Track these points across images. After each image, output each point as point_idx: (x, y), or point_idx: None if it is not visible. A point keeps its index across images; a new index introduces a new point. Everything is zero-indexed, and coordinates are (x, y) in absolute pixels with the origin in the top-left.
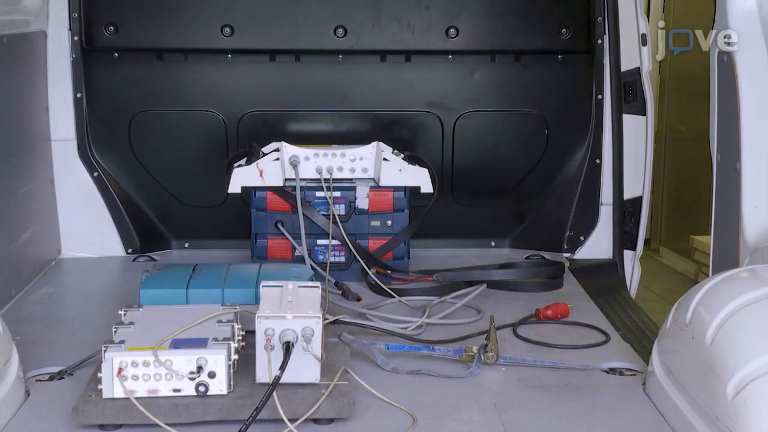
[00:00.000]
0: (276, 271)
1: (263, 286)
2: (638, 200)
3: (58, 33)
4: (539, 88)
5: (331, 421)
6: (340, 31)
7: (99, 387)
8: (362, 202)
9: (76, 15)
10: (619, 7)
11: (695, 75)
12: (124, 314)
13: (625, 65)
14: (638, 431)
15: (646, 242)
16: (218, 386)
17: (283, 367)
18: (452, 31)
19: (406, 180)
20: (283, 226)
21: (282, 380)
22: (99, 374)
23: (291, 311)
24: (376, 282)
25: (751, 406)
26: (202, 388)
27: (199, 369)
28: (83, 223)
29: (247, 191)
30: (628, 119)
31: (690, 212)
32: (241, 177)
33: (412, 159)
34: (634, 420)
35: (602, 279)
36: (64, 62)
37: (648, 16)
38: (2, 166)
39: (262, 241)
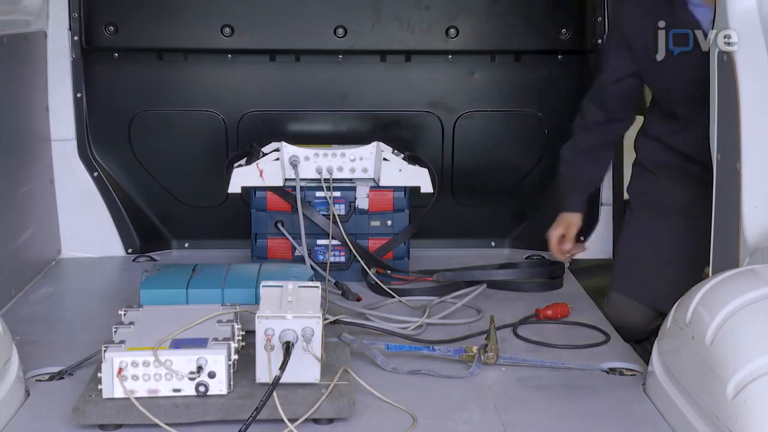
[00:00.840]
0: (276, 271)
1: (263, 286)
2: None
3: (58, 33)
4: (539, 88)
5: (331, 421)
6: (340, 31)
7: (99, 387)
8: (362, 202)
9: (76, 15)
10: None
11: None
12: (124, 314)
13: None
14: (638, 431)
15: None
16: (218, 386)
17: (283, 367)
18: (452, 31)
19: (406, 180)
20: (283, 226)
21: (282, 380)
22: (99, 374)
23: (291, 311)
24: (376, 282)
25: (752, 406)
26: (202, 388)
27: (199, 369)
28: (83, 223)
29: (247, 191)
30: None
31: None
32: (241, 177)
33: (412, 159)
34: (634, 420)
35: (602, 279)
36: (64, 62)
37: None
38: (2, 166)
39: (262, 241)
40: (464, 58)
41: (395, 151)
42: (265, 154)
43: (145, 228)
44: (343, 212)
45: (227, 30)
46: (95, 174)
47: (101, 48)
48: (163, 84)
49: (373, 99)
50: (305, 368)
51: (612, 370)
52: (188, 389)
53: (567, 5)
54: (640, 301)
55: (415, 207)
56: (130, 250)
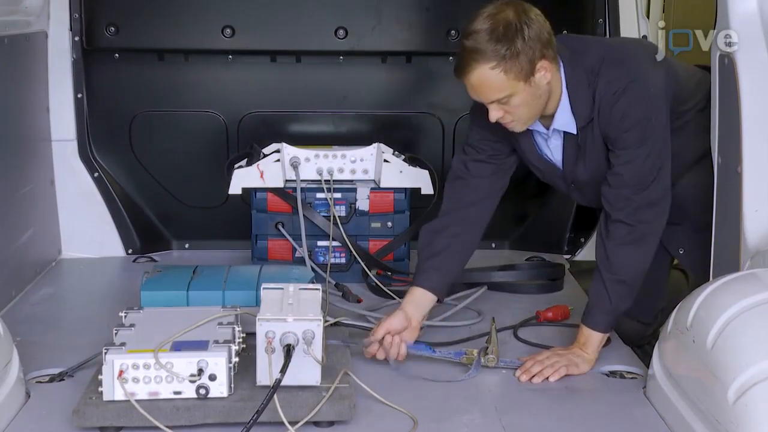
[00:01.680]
0: (277, 273)
1: (264, 288)
2: None
3: (58, 33)
4: None
5: (331, 423)
6: (341, 32)
7: (99, 389)
8: (363, 204)
9: (77, 15)
10: (619, 8)
11: None
12: (125, 316)
13: None
14: None
15: None
16: (219, 389)
17: (283, 370)
18: (453, 32)
19: (406, 181)
20: (283, 227)
21: (283, 383)
22: (99, 376)
23: (292, 314)
24: (376, 284)
25: (752, 411)
26: (202, 391)
27: (200, 371)
28: (83, 223)
29: (248, 192)
30: None
31: None
32: (242, 178)
33: (413, 160)
34: (634, 423)
35: None
36: (64, 63)
37: (648, 17)
38: (3, 167)
39: (263, 242)
40: None
41: (396, 152)
42: (265, 155)
43: (146, 228)
44: (343, 213)
45: (228, 31)
46: (96, 174)
47: (102, 48)
48: (164, 85)
49: (374, 100)
50: (306, 371)
51: (612, 373)
52: (189, 392)
53: (567, 6)
54: (635, 321)
55: (416, 208)
56: (130, 251)
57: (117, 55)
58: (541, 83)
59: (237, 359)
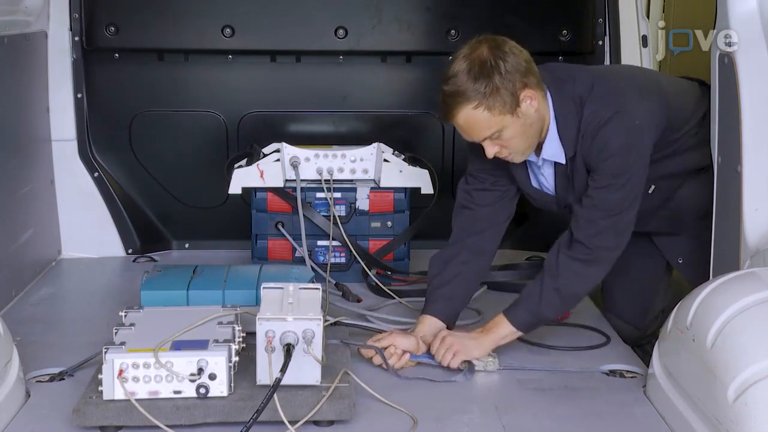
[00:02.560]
0: (277, 272)
1: (264, 287)
2: None
3: (58, 33)
4: None
5: (331, 423)
6: (341, 32)
7: (99, 388)
8: (363, 203)
9: (77, 15)
10: (619, 8)
11: (695, 75)
12: (125, 315)
13: None
14: None
15: None
16: (219, 388)
17: (283, 369)
18: (453, 32)
19: (406, 181)
20: (283, 227)
21: (283, 382)
22: (100, 376)
23: (292, 313)
24: (376, 283)
25: (752, 410)
26: (202, 390)
27: (200, 371)
28: (83, 223)
29: (248, 192)
30: None
31: None
32: (242, 178)
33: (413, 160)
34: (634, 422)
35: None
36: (64, 63)
37: (648, 17)
38: (3, 167)
39: (263, 242)
40: None
41: (396, 152)
42: (265, 155)
43: (146, 228)
44: (343, 213)
45: (228, 31)
46: (96, 174)
47: (102, 48)
48: (164, 84)
49: (374, 100)
50: (306, 370)
51: (612, 372)
52: (189, 391)
53: (567, 6)
54: (619, 318)
55: (416, 208)
56: (130, 251)
57: (117, 55)
58: (529, 112)
59: (237, 358)
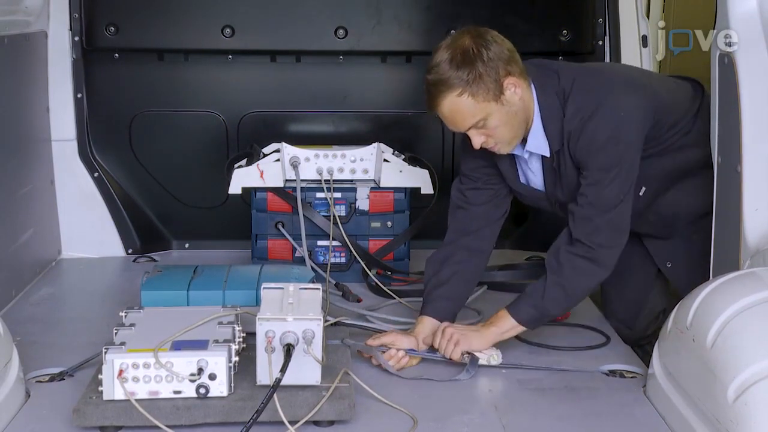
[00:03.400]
0: (277, 272)
1: (264, 287)
2: None
3: (58, 33)
4: None
5: (331, 423)
6: (341, 32)
7: (99, 389)
8: (363, 203)
9: (77, 15)
10: (619, 8)
11: (695, 75)
12: (125, 316)
13: None
14: None
15: None
16: (219, 388)
17: (283, 370)
18: (453, 32)
19: (406, 181)
20: (283, 227)
21: (283, 382)
22: (99, 376)
23: (292, 313)
24: (376, 283)
25: (752, 410)
26: (202, 390)
27: (200, 371)
28: (83, 223)
29: (248, 192)
30: None
31: None
32: (242, 178)
33: (413, 160)
34: (634, 422)
35: None
36: (64, 63)
37: (648, 17)
38: (3, 167)
39: (263, 242)
40: None
41: (396, 152)
42: (265, 155)
43: (146, 228)
44: (343, 213)
45: (228, 31)
46: (95, 174)
47: (102, 48)
48: (164, 84)
49: (374, 100)
50: (306, 370)
51: (612, 372)
52: (189, 391)
53: (567, 6)
54: (613, 318)
55: (416, 208)
56: (130, 251)
57: (117, 55)
58: (513, 100)
59: (237, 358)
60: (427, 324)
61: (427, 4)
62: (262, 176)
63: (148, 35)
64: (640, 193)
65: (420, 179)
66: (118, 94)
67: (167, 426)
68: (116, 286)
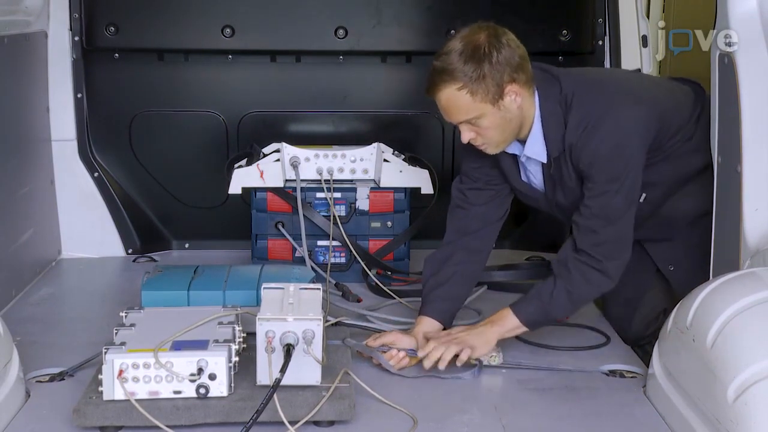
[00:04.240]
0: (277, 272)
1: (264, 288)
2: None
3: (58, 33)
4: None
5: (331, 423)
6: (341, 32)
7: (100, 389)
8: (363, 203)
9: (77, 15)
10: (619, 8)
11: (695, 75)
12: (125, 316)
13: (626, 66)
14: None
15: None
16: (219, 388)
17: (283, 370)
18: (453, 32)
19: (406, 181)
20: (283, 227)
21: (283, 382)
22: (100, 376)
23: (292, 313)
24: (376, 283)
25: (752, 410)
26: (202, 390)
27: (200, 371)
28: (83, 223)
29: (248, 192)
30: None
31: None
32: (242, 178)
33: (413, 160)
34: (634, 422)
35: None
36: (64, 62)
37: (648, 17)
38: (3, 167)
39: (263, 242)
40: None
41: (396, 152)
42: (265, 155)
43: (146, 228)
44: (343, 213)
45: (228, 30)
46: (95, 174)
47: (102, 48)
48: (164, 84)
49: (374, 100)
50: (306, 370)
51: (612, 372)
52: (189, 391)
53: (567, 6)
54: (609, 319)
55: (416, 208)
56: (130, 251)
57: (117, 55)
58: (511, 107)
59: (237, 359)
60: (427, 324)
61: (427, 4)
62: (262, 176)
63: (148, 35)
64: (641, 200)
65: (420, 179)
66: (118, 94)
67: (167, 426)
68: (116, 286)
